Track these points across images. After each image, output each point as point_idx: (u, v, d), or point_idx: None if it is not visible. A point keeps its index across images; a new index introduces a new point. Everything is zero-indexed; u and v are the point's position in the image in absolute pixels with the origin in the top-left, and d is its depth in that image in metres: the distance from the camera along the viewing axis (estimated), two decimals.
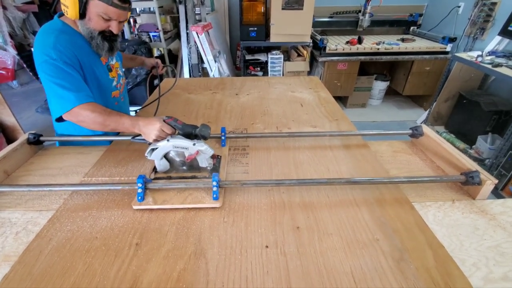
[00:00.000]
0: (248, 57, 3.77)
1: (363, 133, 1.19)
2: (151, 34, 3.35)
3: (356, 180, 0.89)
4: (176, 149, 0.91)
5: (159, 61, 1.49)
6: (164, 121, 0.91)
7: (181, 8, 2.97)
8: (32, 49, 2.80)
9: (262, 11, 3.32)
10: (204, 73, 3.37)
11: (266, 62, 3.68)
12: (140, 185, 0.83)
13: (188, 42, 3.09)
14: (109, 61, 1.21)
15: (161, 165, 0.95)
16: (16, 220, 0.81)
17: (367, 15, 3.60)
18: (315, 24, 3.71)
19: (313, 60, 3.71)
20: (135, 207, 0.83)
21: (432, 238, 0.73)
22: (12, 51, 3.95)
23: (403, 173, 1.01)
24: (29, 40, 4.31)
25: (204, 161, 0.94)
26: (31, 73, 4.13)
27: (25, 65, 4.09)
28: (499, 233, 0.76)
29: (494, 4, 2.88)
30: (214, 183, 0.84)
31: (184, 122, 0.93)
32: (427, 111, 3.30)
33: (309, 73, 3.71)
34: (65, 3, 0.95)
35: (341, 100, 4.00)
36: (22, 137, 1.11)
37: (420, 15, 3.92)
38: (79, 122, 0.96)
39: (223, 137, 1.15)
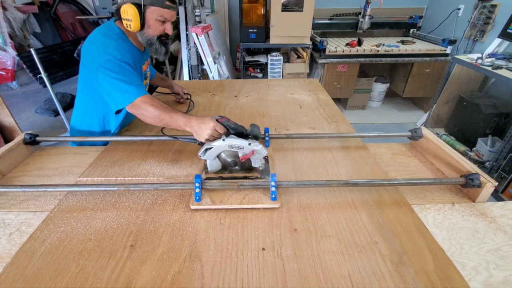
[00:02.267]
0: (247, 58, 3.78)
1: (362, 135, 1.18)
2: None
3: (355, 182, 0.88)
4: (231, 149, 0.89)
5: (185, 90, 1.61)
6: (217, 120, 0.91)
7: (181, 9, 2.97)
8: (31, 51, 2.80)
9: (262, 13, 3.32)
10: (204, 74, 3.37)
11: (266, 63, 3.68)
12: (198, 185, 0.82)
13: (187, 43, 3.09)
14: (147, 70, 1.30)
15: (213, 165, 0.93)
16: (10, 221, 0.80)
17: (367, 17, 3.60)
18: (315, 26, 3.72)
19: (312, 62, 3.71)
20: (193, 207, 0.82)
21: (432, 242, 0.72)
22: (12, 52, 3.95)
23: (402, 176, 1.00)
24: (29, 41, 4.31)
25: (258, 161, 0.92)
26: (31, 74, 4.13)
27: (24, 66, 4.09)
28: (500, 236, 0.75)
29: (494, 6, 2.88)
30: (273, 183, 0.83)
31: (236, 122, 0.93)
32: (427, 113, 3.29)
33: (309, 75, 3.71)
34: (128, 18, 1.04)
35: (341, 102, 4.00)
36: (18, 137, 1.10)
37: (420, 17, 3.92)
38: (140, 114, 1.01)
39: (266, 138, 1.14)
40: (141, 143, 1.16)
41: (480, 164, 2.57)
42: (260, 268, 0.65)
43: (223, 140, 0.87)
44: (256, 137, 0.92)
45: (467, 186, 0.87)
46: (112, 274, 0.63)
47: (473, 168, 0.89)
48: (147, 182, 0.94)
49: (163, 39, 1.15)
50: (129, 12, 1.02)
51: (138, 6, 1.03)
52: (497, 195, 2.28)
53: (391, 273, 0.64)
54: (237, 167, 0.95)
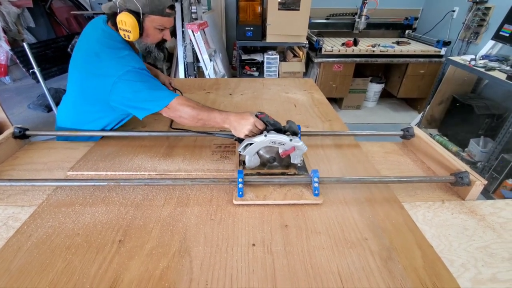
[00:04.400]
0: (244, 57, 3.76)
1: (355, 133, 1.19)
2: None
3: (347, 180, 0.88)
4: (272, 145, 0.88)
5: (172, 82, 1.52)
6: (256, 116, 0.90)
7: (177, 6, 2.95)
8: (24, 45, 2.76)
9: (259, 11, 3.31)
10: (200, 72, 3.35)
11: (262, 62, 3.67)
12: (241, 180, 0.82)
13: (183, 40, 3.07)
14: None
15: (252, 161, 0.92)
16: None
17: (363, 18, 3.62)
18: (312, 26, 3.72)
19: (309, 61, 3.71)
20: (236, 202, 0.82)
21: (421, 238, 0.73)
22: (6, 47, 3.89)
23: (394, 174, 1.01)
24: (23, 36, 4.25)
25: (297, 158, 0.92)
26: (24, 69, 4.08)
27: (18, 61, 4.04)
28: (489, 234, 0.76)
29: (488, 8, 2.90)
30: (316, 179, 0.83)
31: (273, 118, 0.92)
32: (421, 113, 3.32)
33: (305, 74, 3.71)
34: (127, 29, 0.98)
35: (336, 101, 4.01)
36: (7, 131, 1.08)
37: (416, 18, 3.94)
38: (176, 117, 0.98)
39: (298, 136, 1.14)
40: (133, 138, 1.15)
41: (472, 164, 2.59)
42: (250, 264, 0.65)
43: (265, 135, 0.86)
44: (295, 133, 0.91)
45: (456, 184, 0.87)
46: (99, 269, 0.63)
47: (463, 166, 0.90)
48: (138, 177, 0.93)
49: (160, 45, 1.12)
50: (127, 23, 0.96)
51: (136, 14, 0.97)
52: (488, 195, 2.31)
53: (380, 269, 0.64)
54: (275, 163, 0.95)
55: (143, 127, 1.27)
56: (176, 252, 0.67)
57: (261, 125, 0.90)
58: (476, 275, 0.65)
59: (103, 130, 1.17)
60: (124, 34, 1.00)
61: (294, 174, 0.93)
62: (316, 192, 0.83)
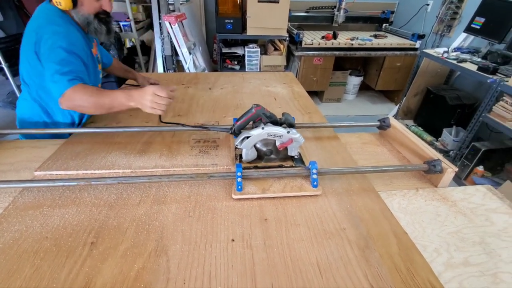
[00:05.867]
0: (224, 50, 3.71)
1: (333, 125, 1.20)
2: (121, 23, 3.19)
3: (325, 171, 0.88)
4: (269, 138, 0.87)
5: (151, 80, 1.51)
6: (253, 108, 0.89)
7: None
8: None
9: (238, 3, 3.26)
10: (179, 66, 3.27)
11: (243, 55, 3.64)
12: (240, 174, 0.80)
13: (161, 33, 2.97)
14: (97, 54, 1.20)
15: (249, 154, 0.90)
16: None
17: (342, 11, 3.65)
18: (292, 19, 3.71)
19: (289, 55, 3.72)
20: (235, 196, 0.81)
21: (396, 226, 0.75)
22: None
23: (371, 164, 1.03)
24: None
25: (294, 150, 0.91)
26: None
27: None
28: (460, 219, 0.79)
29: (461, 1, 3.00)
30: (314, 171, 0.82)
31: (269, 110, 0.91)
32: (398, 105, 3.41)
33: (286, 67, 3.71)
34: None
35: (317, 94, 4.05)
36: None
37: (392, 12, 4.03)
38: (78, 107, 0.94)
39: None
40: (107, 135, 1.10)
41: (445, 153, 2.70)
42: (229, 260, 0.64)
43: (262, 128, 0.85)
44: (291, 125, 0.90)
45: (429, 172, 0.90)
46: (70, 273, 0.60)
47: (435, 155, 0.93)
48: (111, 176, 0.89)
49: (102, 17, 1.07)
50: None
51: None
52: (460, 182, 2.42)
53: (357, 257, 0.65)
54: (272, 156, 0.94)
55: (117, 123, 1.22)
56: (152, 252, 0.65)
57: (162, 92, 0.88)
58: (448, 259, 0.67)
59: (73, 125, 1.11)
60: (56, 2, 0.96)
61: (291, 166, 0.93)
62: (315, 183, 0.84)
